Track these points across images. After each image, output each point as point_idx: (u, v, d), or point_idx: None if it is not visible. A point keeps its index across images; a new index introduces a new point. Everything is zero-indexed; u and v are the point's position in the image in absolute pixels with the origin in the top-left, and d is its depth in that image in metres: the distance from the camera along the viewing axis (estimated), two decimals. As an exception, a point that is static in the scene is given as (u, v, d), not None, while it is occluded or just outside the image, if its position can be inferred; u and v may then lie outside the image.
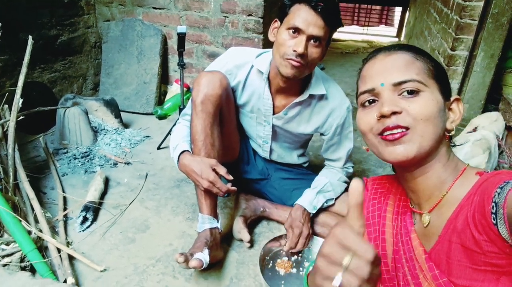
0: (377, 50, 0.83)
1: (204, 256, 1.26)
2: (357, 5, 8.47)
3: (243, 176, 1.72)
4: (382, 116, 0.73)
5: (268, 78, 1.46)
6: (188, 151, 1.41)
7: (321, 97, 1.49)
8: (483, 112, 2.83)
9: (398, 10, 7.69)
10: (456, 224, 0.70)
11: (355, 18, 8.69)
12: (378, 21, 8.76)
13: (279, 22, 1.34)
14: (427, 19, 3.74)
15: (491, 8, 2.38)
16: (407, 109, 0.72)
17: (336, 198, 1.61)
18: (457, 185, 0.75)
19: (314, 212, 1.53)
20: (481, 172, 0.73)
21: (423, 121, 0.71)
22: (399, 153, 0.72)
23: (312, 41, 1.27)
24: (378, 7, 8.58)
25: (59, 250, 1.38)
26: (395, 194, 0.94)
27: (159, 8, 2.80)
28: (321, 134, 1.60)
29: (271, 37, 1.39)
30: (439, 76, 0.77)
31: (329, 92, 1.48)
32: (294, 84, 1.43)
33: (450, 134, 0.78)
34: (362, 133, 0.80)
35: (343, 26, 1.36)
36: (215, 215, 1.41)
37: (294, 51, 1.25)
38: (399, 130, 0.72)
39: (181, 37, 2.12)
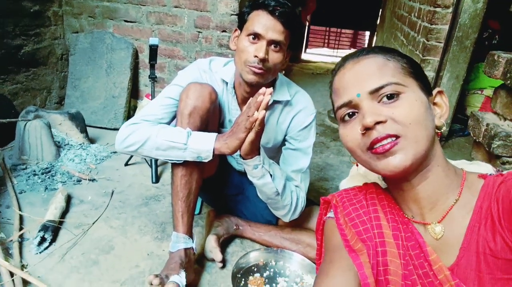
0: (344, 58, 0.77)
1: (181, 279, 1.19)
2: (327, 29, 8.77)
3: (219, 190, 1.66)
4: (367, 129, 0.68)
5: (234, 88, 1.44)
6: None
7: (286, 103, 1.47)
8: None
9: (367, 34, 8.01)
10: (479, 233, 0.65)
11: (326, 41, 8.99)
12: (348, 44, 9.09)
13: (239, 31, 1.35)
14: (394, 43, 3.88)
15: (455, 31, 2.50)
16: (392, 117, 0.67)
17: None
18: (464, 190, 0.71)
19: (259, 162, 1.28)
20: (483, 175, 0.70)
21: (413, 126, 0.66)
22: (395, 164, 0.66)
23: (272, 46, 1.27)
24: (348, 31, 8.92)
25: (12, 274, 1.26)
26: (382, 205, 0.82)
27: (131, 21, 2.75)
28: (285, 140, 1.51)
29: (232, 45, 1.39)
30: (416, 72, 0.73)
31: (294, 97, 1.47)
32: None
33: (442, 131, 0.73)
34: (350, 151, 0.74)
35: (303, 28, 1.34)
36: (190, 235, 1.34)
37: (255, 56, 1.25)
38: (389, 140, 0.66)
39: (153, 49, 2.09)
